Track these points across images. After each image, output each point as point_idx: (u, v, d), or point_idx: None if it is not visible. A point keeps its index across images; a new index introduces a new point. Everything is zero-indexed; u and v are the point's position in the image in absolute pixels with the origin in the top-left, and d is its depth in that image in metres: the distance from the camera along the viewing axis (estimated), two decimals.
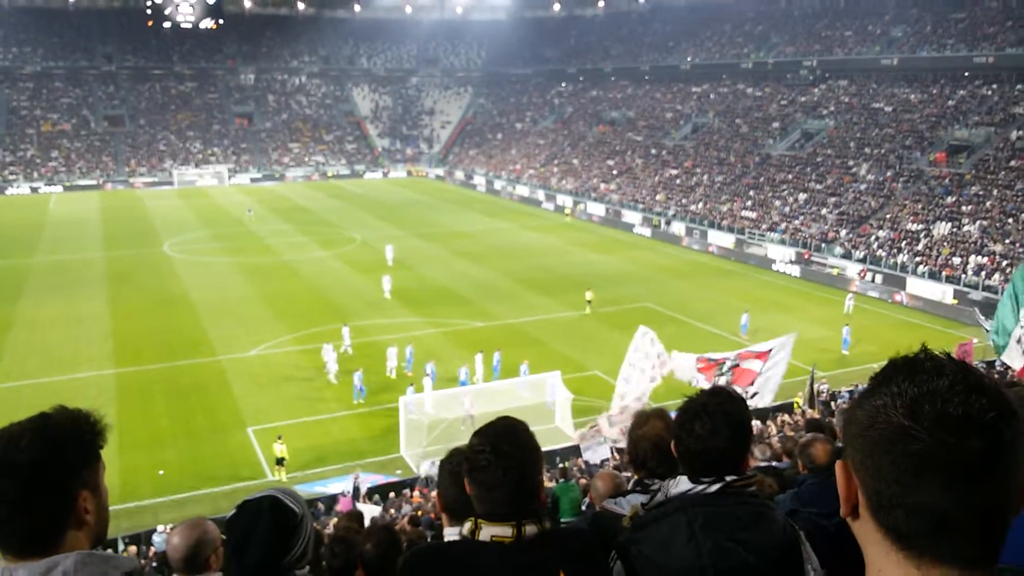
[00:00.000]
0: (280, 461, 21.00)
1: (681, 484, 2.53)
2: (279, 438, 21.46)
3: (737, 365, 17.48)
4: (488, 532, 2.25)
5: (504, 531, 2.24)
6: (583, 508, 6.63)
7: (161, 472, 21.09)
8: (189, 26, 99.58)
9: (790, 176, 55.66)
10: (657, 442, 3.32)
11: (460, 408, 23.28)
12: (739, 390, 17.42)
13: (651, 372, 17.46)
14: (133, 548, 16.26)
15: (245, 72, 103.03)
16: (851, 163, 53.33)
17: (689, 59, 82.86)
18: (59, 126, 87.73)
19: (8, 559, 1.77)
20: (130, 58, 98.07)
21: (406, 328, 32.73)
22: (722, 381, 17.18)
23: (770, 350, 17.41)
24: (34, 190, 77.57)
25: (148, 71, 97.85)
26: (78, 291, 38.47)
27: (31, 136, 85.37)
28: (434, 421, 22.72)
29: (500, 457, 2.28)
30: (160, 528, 17.17)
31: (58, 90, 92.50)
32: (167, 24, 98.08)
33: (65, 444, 1.80)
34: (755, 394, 17.03)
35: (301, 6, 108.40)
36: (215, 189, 79.88)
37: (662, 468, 3.24)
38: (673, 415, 2.94)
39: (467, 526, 2.30)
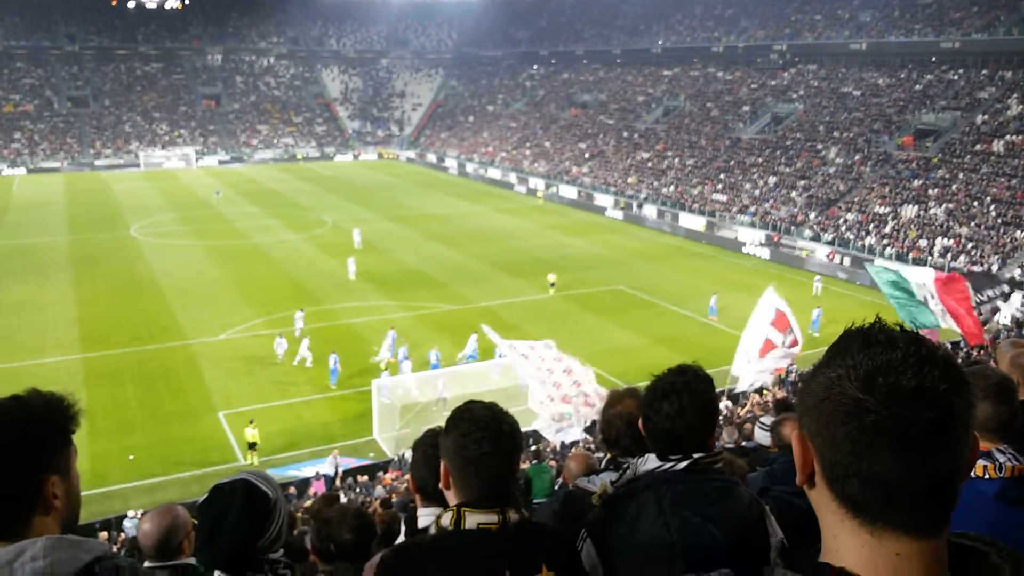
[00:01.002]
0: (252, 446, 20.88)
1: (649, 462, 2.56)
2: (251, 422, 21.34)
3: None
4: (474, 520, 2.19)
5: (490, 518, 2.19)
6: (555, 489, 6.69)
7: (131, 457, 20.89)
8: (154, 5, 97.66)
9: (760, 159, 56.07)
10: (630, 420, 3.35)
11: (433, 391, 23.28)
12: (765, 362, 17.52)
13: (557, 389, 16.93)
14: (104, 534, 16.13)
15: (212, 53, 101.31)
16: (820, 147, 53.82)
17: (660, 42, 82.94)
18: (21, 107, 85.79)
19: None
20: (94, 38, 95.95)
21: (378, 311, 32.61)
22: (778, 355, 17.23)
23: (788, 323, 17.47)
24: None
25: (112, 51, 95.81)
26: (42, 275, 37.80)
27: None
28: (407, 404, 22.70)
29: (500, 438, 2.25)
30: (131, 514, 17.04)
31: (20, 70, 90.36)
32: (131, 3, 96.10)
33: (34, 428, 1.79)
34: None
35: None
36: (182, 171, 78.73)
37: (635, 447, 3.28)
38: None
39: (448, 516, 2.23)
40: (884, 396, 1.08)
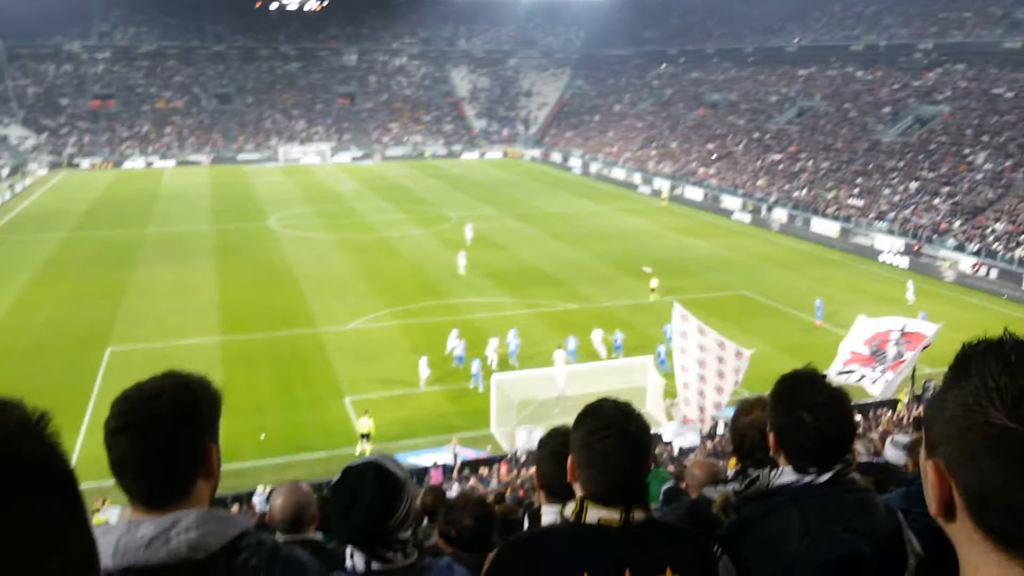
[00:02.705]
0: (366, 436, 21.33)
1: (785, 475, 2.47)
2: (366, 412, 21.99)
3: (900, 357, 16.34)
4: (595, 514, 2.18)
5: (612, 515, 2.17)
6: (663, 494, 6.57)
7: (263, 436, 21.96)
8: (295, 8, 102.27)
9: (901, 163, 53.29)
10: (763, 430, 3.25)
11: (552, 388, 23.35)
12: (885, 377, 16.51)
13: (724, 366, 16.58)
14: (236, 507, 17.01)
15: (348, 53, 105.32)
16: (967, 151, 50.65)
17: (796, 40, 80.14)
18: (172, 103, 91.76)
19: (136, 510, 1.86)
20: (239, 38, 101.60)
21: (498, 308, 32.99)
22: (879, 372, 16.28)
23: (924, 338, 16.32)
24: (148, 164, 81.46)
25: (256, 51, 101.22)
26: (188, 262, 40.27)
27: (146, 113, 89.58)
28: (524, 400, 22.85)
29: (626, 437, 2.23)
30: (260, 489, 17.89)
31: (171, 69, 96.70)
32: (274, 5, 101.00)
33: (202, 400, 1.92)
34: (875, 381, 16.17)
35: None
36: (318, 167, 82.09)
37: (768, 458, 3.18)
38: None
39: (570, 507, 2.23)
40: None
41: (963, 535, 1.07)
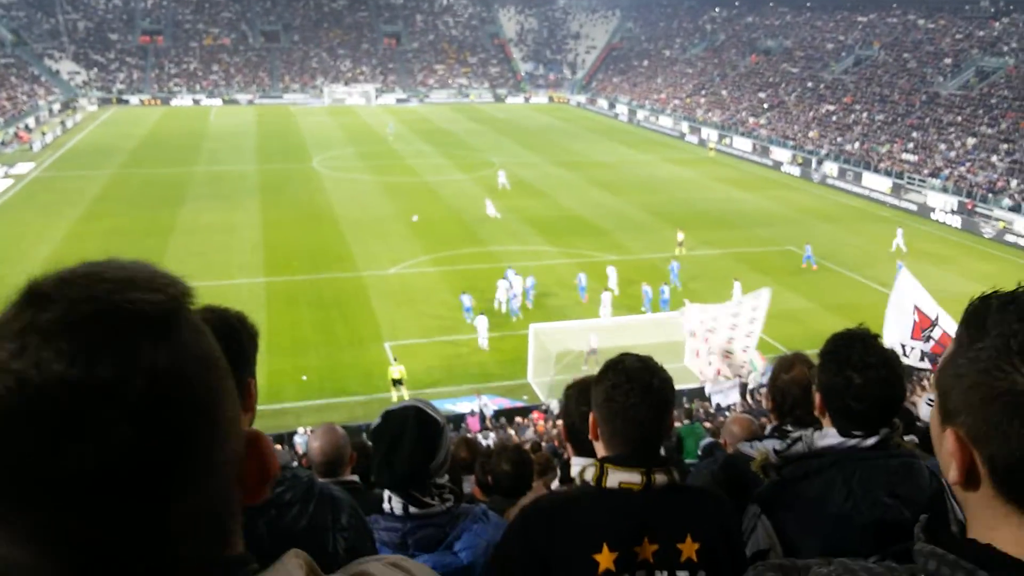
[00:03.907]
0: (397, 382, 21.40)
1: (828, 437, 2.43)
2: (394, 359, 22.22)
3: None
4: (616, 478, 2.16)
5: (633, 477, 2.14)
6: (703, 451, 6.56)
7: (304, 378, 22.37)
8: None
9: (959, 118, 51.50)
10: (807, 387, 3.20)
11: (585, 343, 23.29)
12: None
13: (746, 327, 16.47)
14: (278, 446, 17.43)
15: None
16: None
17: None
18: (219, 40, 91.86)
19: None
20: None
21: (538, 256, 32.92)
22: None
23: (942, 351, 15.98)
24: (196, 102, 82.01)
25: None
26: (233, 201, 40.73)
27: (194, 50, 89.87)
28: (561, 352, 22.89)
29: (648, 394, 2.19)
30: (300, 430, 18.28)
31: (219, 5, 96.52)
32: None
33: (241, 332, 1.92)
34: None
35: None
36: (362, 108, 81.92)
37: (809, 417, 3.13)
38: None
39: (591, 471, 2.21)
40: None
41: (983, 503, 1.03)
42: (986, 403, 0.97)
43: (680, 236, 34.07)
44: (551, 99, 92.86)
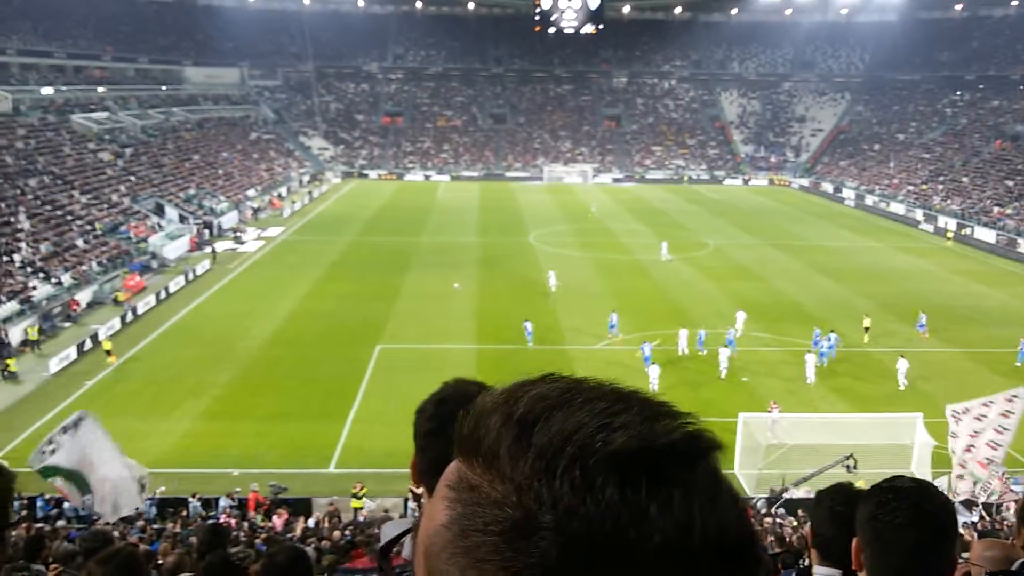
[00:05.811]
0: None
1: None
2: None
3: None
4: None
5: None
6: None
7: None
8: (571, 31, 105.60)
9: None
10: None
11: (807, 435, 21.93)
12: None
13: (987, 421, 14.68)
14: None
15: (618, 76, 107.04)
16: None
17: None
18: (451, 122, 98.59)
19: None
20: (516, 61, 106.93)
21: (748, 342, 31.71)
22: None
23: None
24: (427, 178, 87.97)
25: (531, 73, 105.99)
26: (455, 271, 42.86)
27: (428, 130, 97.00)
28: (772, 445, 21.74)
29: (919, 514, 1.95)
30: None
31: (454, 90, 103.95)
32: (551, 29, 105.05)
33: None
34: None
35: (677, 10, 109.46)
36: (579, 186, 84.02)
37: None
38: None
39: None
40: None
41: None
42: None
43: (867, 321, 33.07)
44: (772, 181, 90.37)
